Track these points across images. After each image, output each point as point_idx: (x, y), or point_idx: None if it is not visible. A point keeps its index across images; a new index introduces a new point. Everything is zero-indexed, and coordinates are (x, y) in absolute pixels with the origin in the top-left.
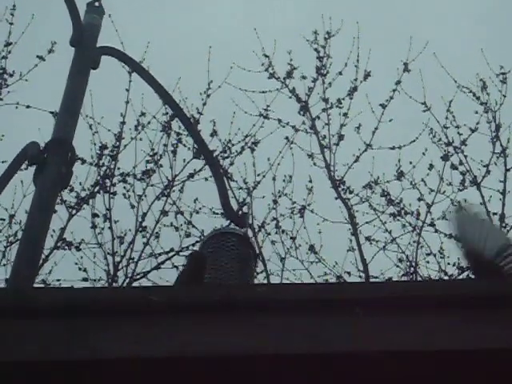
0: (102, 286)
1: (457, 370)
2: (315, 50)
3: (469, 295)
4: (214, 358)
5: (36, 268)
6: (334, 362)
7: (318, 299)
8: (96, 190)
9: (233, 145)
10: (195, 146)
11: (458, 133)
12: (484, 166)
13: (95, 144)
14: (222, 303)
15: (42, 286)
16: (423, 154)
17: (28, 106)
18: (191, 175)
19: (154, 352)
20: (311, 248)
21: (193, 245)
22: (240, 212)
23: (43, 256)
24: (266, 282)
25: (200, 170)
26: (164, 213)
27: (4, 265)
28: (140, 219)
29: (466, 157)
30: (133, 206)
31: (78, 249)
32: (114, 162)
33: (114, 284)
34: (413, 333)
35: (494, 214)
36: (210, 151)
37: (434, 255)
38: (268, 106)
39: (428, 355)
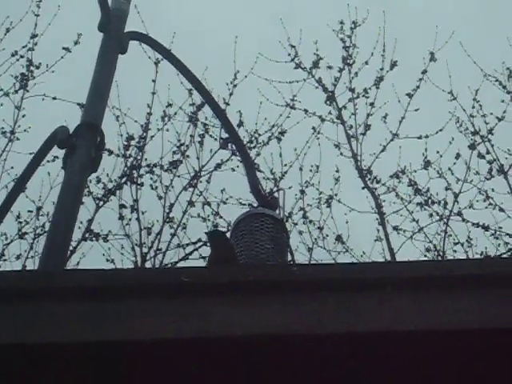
0: (134, 268)
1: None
2: (341, 39)
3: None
4: (248, 338)
5: (66, 250)
6: (365, 340)
7: (350, 278)
8: (123, 181)
9: (259, 135)
10: (224, 131)
11: (485, 122)
12: (511, 155)
13: (122, 135)
14: (257, 283)
15: (73, 268)
16: (450, 143)
17: (54, 98)
18: (218, 165)
19: (186, 333)
20: (338, 238)
21: None
22: (271, 196)
23: (71, 248)
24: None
25: (227, 161)
26: (191, 203)
27: (32, 257)
28: (167, 210)
29: (492, 146)
30: (160, 197)
31: (105, 240)
32: (140, 153)
33: None
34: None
35: None
36: (239, 136)
37: (462, 244)
38: (294, 96)
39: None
